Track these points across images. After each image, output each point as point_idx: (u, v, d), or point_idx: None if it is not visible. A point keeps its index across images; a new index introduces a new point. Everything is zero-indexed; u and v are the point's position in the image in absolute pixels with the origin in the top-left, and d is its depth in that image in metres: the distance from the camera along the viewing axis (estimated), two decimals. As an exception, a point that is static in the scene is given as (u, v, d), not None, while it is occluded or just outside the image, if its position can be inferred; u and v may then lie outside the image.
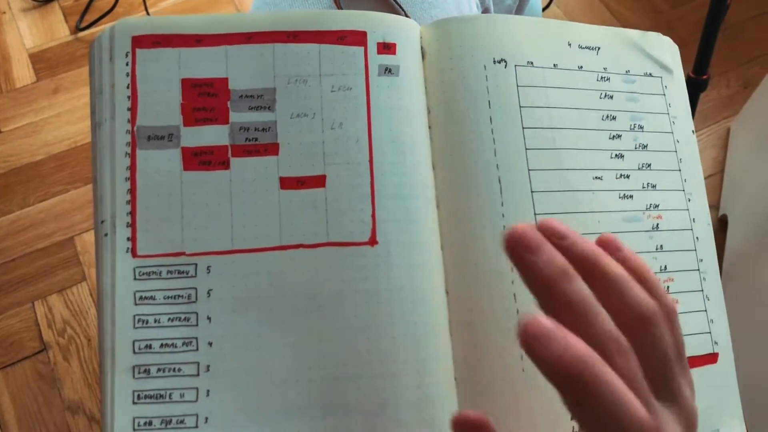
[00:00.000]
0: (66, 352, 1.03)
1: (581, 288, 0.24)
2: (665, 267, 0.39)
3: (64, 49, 1.30)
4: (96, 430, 0.98)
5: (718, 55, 1.06)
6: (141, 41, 0.35)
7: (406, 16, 0.44)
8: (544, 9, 1.22)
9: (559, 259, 0.24)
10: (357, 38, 0.37)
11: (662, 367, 0.25)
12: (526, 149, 0.37)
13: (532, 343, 0.22)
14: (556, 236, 0.26)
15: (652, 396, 0.24)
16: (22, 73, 1.27)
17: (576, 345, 0.22)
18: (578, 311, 0.23)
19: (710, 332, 0.39)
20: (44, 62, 1.29)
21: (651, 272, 0.27)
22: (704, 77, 0.93)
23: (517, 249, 0.24)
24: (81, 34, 1.32)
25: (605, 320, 0.24)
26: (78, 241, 1.11)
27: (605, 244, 0.28)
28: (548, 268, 0.24)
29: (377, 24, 0.37)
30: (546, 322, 0.22)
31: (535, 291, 0.25)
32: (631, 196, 0.39)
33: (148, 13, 1.29)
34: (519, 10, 0.62)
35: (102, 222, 0.34)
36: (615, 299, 0.25)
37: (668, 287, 0.39)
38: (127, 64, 0.35)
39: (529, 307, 0.35)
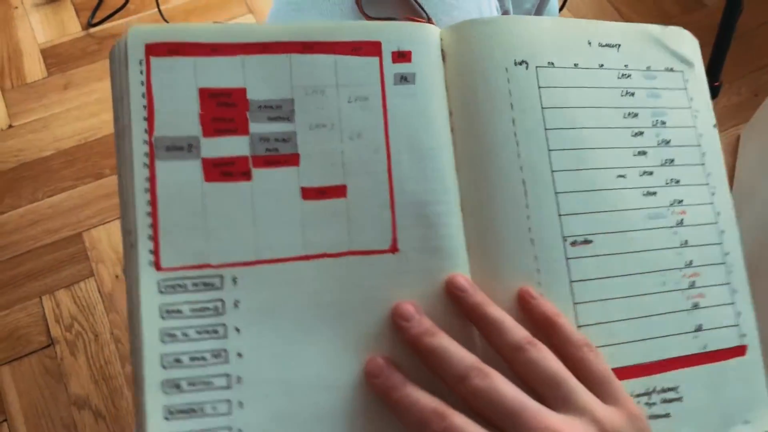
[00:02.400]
0: (73, 348, 1.03)
1: (440, 339, 0.32)
2: (690, 262, 0.39)
3: (75, 45, 1.31)
4: (101, 425, 0.98)
5: (728, 62, 1.06)
6: (155, 49, 0.35)
7: (428, 16, 0.44)
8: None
9: (425, 323, 0.33)
10: (371, 48, 0.37)
11: (548, 384, 0.31)
12: (549, 150, 0.37)
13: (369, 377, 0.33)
14: (458, 289, 0.34)
15: (531, 407, 0.30)
16: (34, 68, 1.27)
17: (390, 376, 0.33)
18: (437, 354, 0.32)
19: (738, 325, 0.39)
20: (55, 58, 1.29)
21: (558, 317, 0.35)
22: (716, 84, 0.93)
23: (395, 318, 0.34)
24: (92, 30, 1.33)
25: (462, 357, 0.32)
26: (86, 236, 1.11)
27: (521, 295, 0.36)
28: (415, 329, 0.33)
29: (391, 33, 0.37)
30: (380, 360, 0.33)
31: (410, 347, 0.33)
32: (655, 193, 0.39)
33: (159, 11, 1.29)
34: (537, 13, 0.63)
35: (128, 233, 0.34)
36: (495, 337, 0.33)
37: (694, 282, 0.38)
38: (141, 72, 0.34)
39: (556, 307, 0.35)
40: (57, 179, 1.16)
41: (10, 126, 1.21)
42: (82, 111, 1.23)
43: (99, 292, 1.07)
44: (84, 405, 0.99)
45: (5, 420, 0.98)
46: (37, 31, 1.33)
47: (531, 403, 0.30)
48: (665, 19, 1.34)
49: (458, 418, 0.30)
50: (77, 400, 1.00)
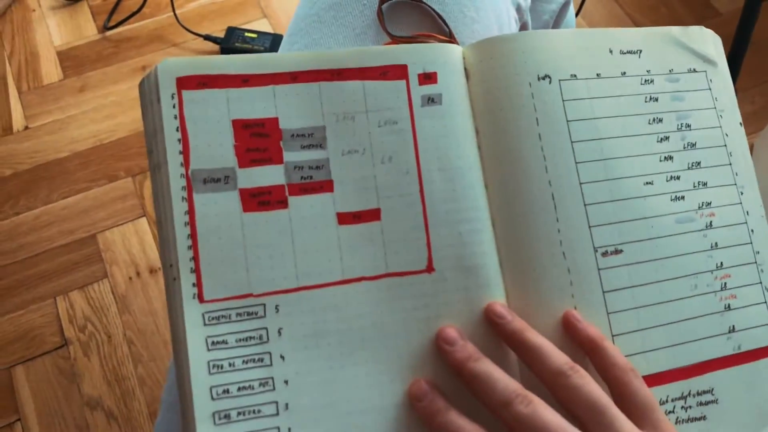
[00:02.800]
0: (86, 349, 1.03)
1: (484, 365, 0.33)
2: (721, 264, 0.39)
3: (91, 48, 1.31)
4: (114, 426, 0.99)
5: (742, 71, 1.05)
6: (186, 82, 0.35)
7: (450, 32, 0.44)
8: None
9: (469, 348, 0.34)
10: (398, 72, 0.37)
11: (590, 411, 0.32)
12: (577, 163, 0.37)
13: (413, 400, 0.34)
14: (497, 316, 0.35)
15: None
16: (50, 70, 1.28)
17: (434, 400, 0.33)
18: (481, 379, 0.32)
19: None
20: (71, 60, 1.30)
21: (603, 341, 0.35)
22: (731, 93, 0.93)
23: (439, 342, 0.34)
24: (108, 33, 1.33)
25: (506, 383, 0.32)
26: (100, 238, 1.12)
27: (566, 318, 0.36)
28: (459, 354, 0.33)
29: (417, 56, 0.38)
30: (424, 384, 0.34)
31: (453, 371, 0.34)
32: (683, 197, 0.39)
33: (175, 14, 1.30)
34: (556, 24, 0.63)
35: (170, 266, 0.34)
36: (536, 363, 0.33)
37: (725, 283, 0.39)
38: (174, 107, 0.35)
39: (589, 318, 0.36)
40: (72, 181, 1.17)
41: (27, 128, 1.22)
42: (98, 113, 1.23)
43: (113, 293, 1.08)
44: (96, 405, 1.00)
45: (18, 419, 0.99)
46: (54, 34, 1.34)
47: (573, 430, 0.30)
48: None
49: None
50: (90, 400, 1.00)
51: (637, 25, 1.37)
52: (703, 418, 0.36)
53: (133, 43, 1.31)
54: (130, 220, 1.13)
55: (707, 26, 0.44)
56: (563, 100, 0.38)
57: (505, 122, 0.38)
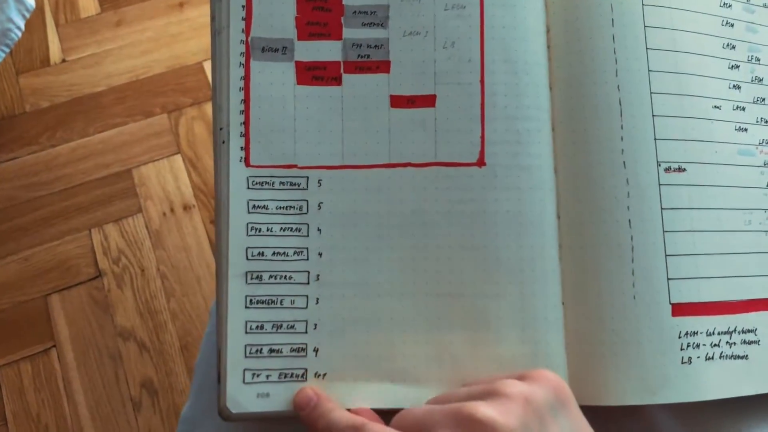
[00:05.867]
0: (120, 281, 1.05)
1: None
2: None
3: (129, -18, 1.30)
4: (146, 357, 1.00)
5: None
6: None
7: None
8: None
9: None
10: None
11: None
12: (650, 71, 0.36)
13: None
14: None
15: None
16: (87, 3, 1.27)
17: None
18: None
19: None
20: (109, -6, 1.29)
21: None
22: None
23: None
24: (146, -33, 1.32)
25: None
26: (135, 173, 1.12)
27: None
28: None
29: None
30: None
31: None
32: (746, 129, 0.38)
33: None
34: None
35: (220, 129, 0.35)
36: None
37: None
38: None
39: (643, 234, 0.34)
40: (108, 115, 1.17)
41: (64, 60, 1.22)
42: (135, 49, 1.23)
43: (146, 228, 1.09)
44: (129, 337, 1.01)
45: (54, 346, 1.01)
46: (91, -34, 1.33)
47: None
48: None
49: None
50: (123, 331, 1.02)
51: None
52: (746, 357, 0.35)
53: (172, -23, 1.29)
54: (165, 156, 1.13)
55: None
56: (643, 4, 0.37)
57: (579, 22, 0.36)
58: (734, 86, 0.38)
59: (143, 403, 0.98)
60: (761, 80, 0.39)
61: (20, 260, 1.06)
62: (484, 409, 0.28)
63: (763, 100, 0.39)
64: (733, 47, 0.38)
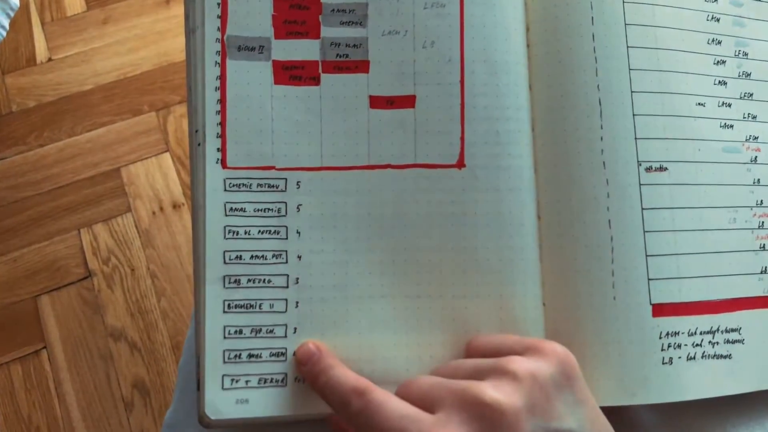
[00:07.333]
0: (110, 281, 1.04)
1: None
2: (761, 202, 0.37)
3: (115, -21, 1.29)
4: (137, 356, 1.00)
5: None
6: None
7: None
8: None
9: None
10: None
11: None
12: (630, 69, 0.35)
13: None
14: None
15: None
16: (73, 1, 1.26)
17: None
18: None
19: None
20: (95, -9, 1.28)
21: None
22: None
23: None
24: (133, -36, 1.31)
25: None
26: (124, 172, 1.12)
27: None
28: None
29: None
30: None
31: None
32: (732, 126, 0.37)
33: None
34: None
35: (196, 131, 0.34)
36: None
37: (763, 222, 0.37)
38: None
39: (624, 234, 0.34)
40: (96, 114, 1.16)
41: (50, 59, 1.21)
42: (122, 46, 1.22)
43: (136, 227, 1.08)
44: (120, 336, 1.01)
45: (44, 347, 1.00)
46: (77, -37, 1.31)
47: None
48: None
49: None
50: (113, 331, 1.01)
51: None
52: (729, 356, 0.35)
53: (158, -25, 1.28)
54: (154, 154, 1.13)
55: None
56: (623, 2, 0.36)
57: (558, 20, 0.36)
58: (720, 82, 0.37)
59: (135, 403, 0.98)
60: (749, 75, 0.38)
61: (9, 261, 1.05)
62: (491, 392, 0.28)
63: (751, 95, 0.38)
64: (719, 42, 0.38)
